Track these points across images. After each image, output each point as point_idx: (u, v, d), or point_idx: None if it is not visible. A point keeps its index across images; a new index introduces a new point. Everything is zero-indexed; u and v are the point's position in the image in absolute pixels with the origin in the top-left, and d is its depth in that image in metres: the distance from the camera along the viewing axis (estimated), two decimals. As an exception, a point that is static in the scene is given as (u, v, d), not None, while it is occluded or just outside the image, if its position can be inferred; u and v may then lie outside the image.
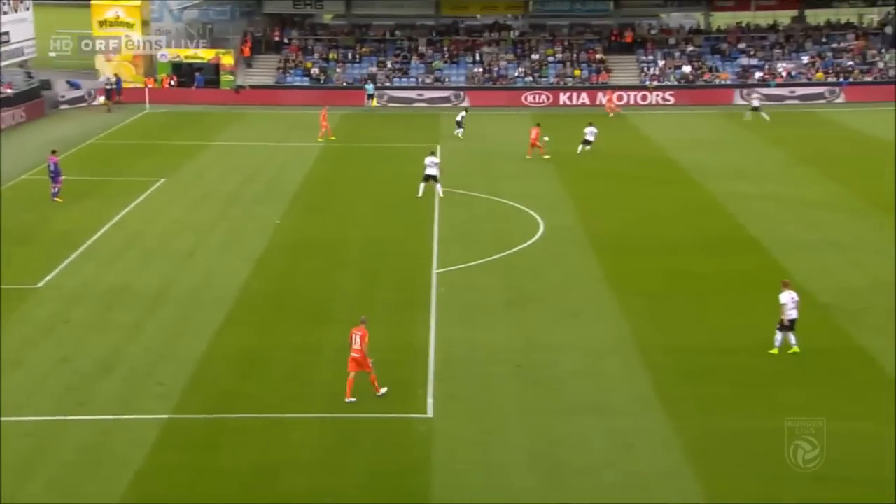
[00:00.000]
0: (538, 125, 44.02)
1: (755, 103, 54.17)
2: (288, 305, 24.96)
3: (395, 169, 41.53)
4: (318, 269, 27.90)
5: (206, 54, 61.58)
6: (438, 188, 35.20)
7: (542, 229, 31.59)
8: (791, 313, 21.37)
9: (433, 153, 36.11)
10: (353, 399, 19.13)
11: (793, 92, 59.80)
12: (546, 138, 45.58)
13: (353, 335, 19.35)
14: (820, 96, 59.78)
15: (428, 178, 35.13)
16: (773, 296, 23.28)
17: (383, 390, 19.41)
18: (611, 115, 54.31)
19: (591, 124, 45.07)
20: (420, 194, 35.16)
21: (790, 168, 41.45)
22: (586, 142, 44.38)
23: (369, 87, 59.82)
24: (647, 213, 33.87)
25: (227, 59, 61.47)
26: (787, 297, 21.41)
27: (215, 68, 61.64)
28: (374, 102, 59.16)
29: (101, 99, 58.36)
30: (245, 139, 49.56)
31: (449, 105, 59.31)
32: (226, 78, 61.42)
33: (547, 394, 19.71)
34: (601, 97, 59.37)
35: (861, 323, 23.31)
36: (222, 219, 33.44)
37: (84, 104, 58.78)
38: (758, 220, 32.46)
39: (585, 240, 30.47)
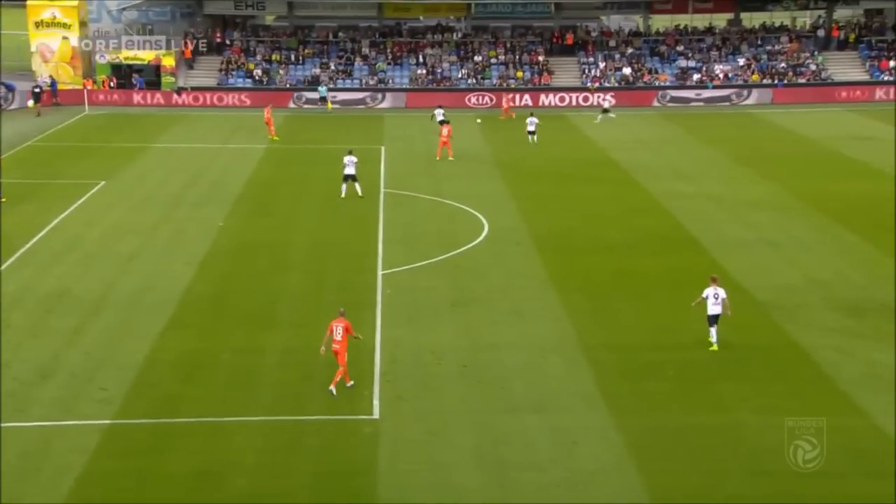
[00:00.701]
0: (448, 123, 43.91)
1: (605, 104, 55.00)
2: (231, 308, 24.72)
3: (339, 170, 41.30)
4: (262, 271, 27.68)
5: (146, 56, 60.65)
6: (357, 187, 35.51)
7: (486, 230, 31.73)
8: (713, 308, 21.78)
9: (350, 152, 36.27)
10: (352, 383, 19.77)
11: (699, 94, 60.79)
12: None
13: (335, 327, 19.59)
14: (726, 98, 60.76)
15: (347, 177, 35.43)
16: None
17: (333, 389, 19.43)
18: (503, 117, 54.87)
19: (532, 114, 47.48)
20: (343, 195, 35.41)
21: (727, 168, 42.19)
22: (531, 132, 46.41)
23: (322, 88, 59.29)
24: (589, 213, 34.22)
25: (168, 61, 60.63)
26: (709, 292, 21.87)
27: (156, 70, 60.76)
28: (330, 105, 58.45)
29: (30, 103, 56.08)
30: (187, 141, 48.92)
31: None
32: (167, 79, 60.59)
33: (492, 393, 19.80)
34: (544, 98, 59.90)
35: (797, 320, 23.82)
36: (164, 221, 32.99)
37: (-1, 108, 56.38)
38: (697, 220, 32.99)
39: (529, 240, 30.67)
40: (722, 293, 21.90)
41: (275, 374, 20.65)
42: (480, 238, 30.89)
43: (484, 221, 32.70)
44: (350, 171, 35.43)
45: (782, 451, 17.14)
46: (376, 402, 19.25)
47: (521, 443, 17.79)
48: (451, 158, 42.60)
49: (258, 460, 17.22)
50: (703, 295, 21.93)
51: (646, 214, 33.94)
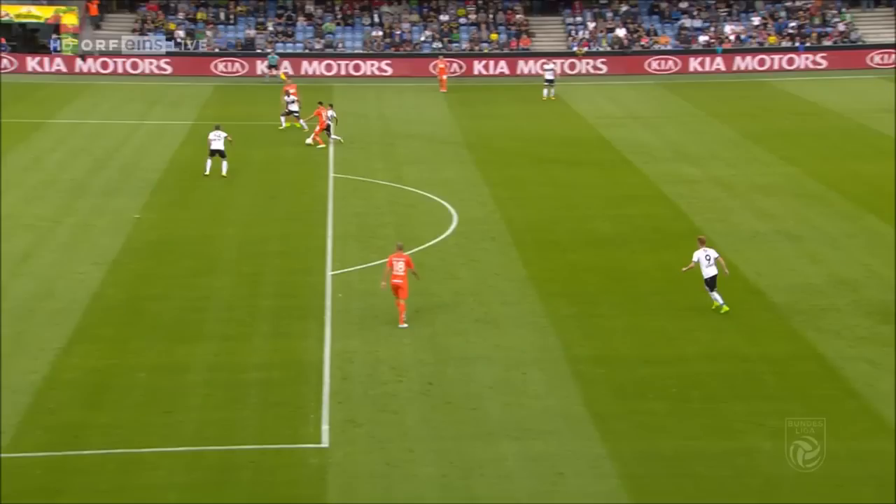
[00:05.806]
0: (321, 104, 42.39)
1: (549, 76, 53.70)
2: (148, 318, 24.62)
3: (278, 152, 41.27)
4: (185, 273, 27.60)
5: (43, 12, 60.14)
6: (224, 165, 36.67)
7: (454, 222, 31.86)
8: (707, 271, 23.96)
9: (218, 127, 37.25)
10: (406, 325, 23.40)
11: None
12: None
13: (394, 262, 23.36)
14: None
15: (213, 153, 36.76)
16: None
17: (405, 325, 23.30)
18: (444, 89, 55.09)
19: (330, 106, 42.45)
20: (207, 172, 36.55)
21: (738, 147, 42.61)
22: (327, 129, 41.68)
23: (272, 57, 58.93)
24: (575, 201, 34.44)
25: (70, 19, 60.19)
26: (699, 255, 24.22)
27: (55, 29, 60.34)
28: (284, 75, 57.41)
29: None
30: (94, 116, 48.63)
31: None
32: (68, 41, 60.13)
33: (461, 415, 19.91)
34: (523, 65, 60.13)
35: (821, 326, 24.11)
36: (66, 214, 32.80)
37: None
38: (702, 209, 33.31)
39: (505, 234, 30.82)
40: (713, 253, 24.07)
41: (200, 396, 20.58)
42: (448, 232, 30.99)
43: (452, 212, 32.81)
44: (217, 146, 36.66)
45: (802, 484, 17.38)
46: (325, 428, 19.26)
47: (496, 474, 17.89)
48: (320, 146, 41.40)
49: (181, 499, 17.16)
50: (694, 259, 24.09)
51: (642, 203, 34.21)
